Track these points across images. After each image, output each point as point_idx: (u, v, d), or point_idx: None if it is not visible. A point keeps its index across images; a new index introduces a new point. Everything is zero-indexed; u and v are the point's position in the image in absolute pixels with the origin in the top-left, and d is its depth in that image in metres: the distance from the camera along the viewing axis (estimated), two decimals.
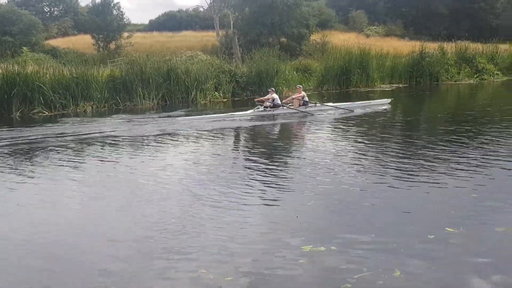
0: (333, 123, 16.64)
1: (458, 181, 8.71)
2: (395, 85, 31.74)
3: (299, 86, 20.37)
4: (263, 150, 12.30)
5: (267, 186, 8.68)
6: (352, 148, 11.91)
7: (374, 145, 12.25)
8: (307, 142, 13.30)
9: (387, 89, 29.77)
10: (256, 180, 9.13)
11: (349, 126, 15.81)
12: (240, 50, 42.74)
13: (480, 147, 11.52)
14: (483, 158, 10.29)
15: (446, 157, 10.54)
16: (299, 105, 19.41)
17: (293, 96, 19.78)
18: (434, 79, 32.86)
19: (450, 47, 36.08)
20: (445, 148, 11.53)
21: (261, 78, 26.31)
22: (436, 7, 66.25)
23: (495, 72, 35.33)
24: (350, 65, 29.55)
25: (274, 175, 9.47)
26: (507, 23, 60.72)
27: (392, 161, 10.29)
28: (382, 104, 21.25)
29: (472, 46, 36.92)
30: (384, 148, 11.75)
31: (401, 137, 13.60)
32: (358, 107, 20.27)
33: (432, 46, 35.77)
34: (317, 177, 9.19)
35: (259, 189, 8.54)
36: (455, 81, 33.09)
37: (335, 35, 52.34)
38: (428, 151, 11.20)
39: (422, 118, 18.38)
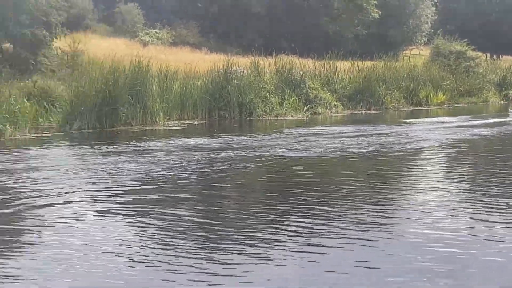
0: None
1: None
2: (187, 121, 22.85)
3: None
4: None
5: None
6: None
7: None
8: None
9: (176, 127, 21.16)
10: None
11: None
12: None
13: None
14: None
15: None
16: None
17: None
18: (247, 113, 23.79)
19: (268, 63, 26.71)
20: None
21: None
22: (248, 2, 48.57)
23: (334, 103, 26.28)
24: (117, 90, 20.81)
25: None
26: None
27: None
28: None
29: (299, 62, 27.33)
30: None
31: None
32: None
33: (243, 62, 26.48)
34: None
35: None
36: (276, 116, 24.20)
37: (94, 40, 38.99)
38: None
39: None
